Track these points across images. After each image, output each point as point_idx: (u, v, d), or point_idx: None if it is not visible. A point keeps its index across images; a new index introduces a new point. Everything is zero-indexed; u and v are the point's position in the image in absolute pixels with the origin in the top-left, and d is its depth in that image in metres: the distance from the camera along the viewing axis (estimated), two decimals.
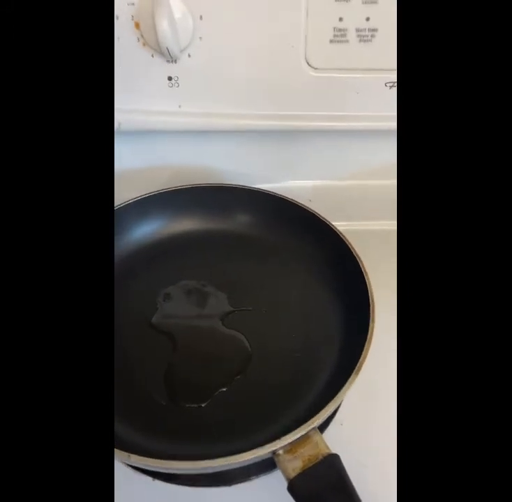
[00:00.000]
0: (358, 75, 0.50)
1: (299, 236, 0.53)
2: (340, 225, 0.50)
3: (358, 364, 0.37)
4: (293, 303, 0.48)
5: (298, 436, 0.34)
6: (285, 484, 0.33)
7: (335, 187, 0.62)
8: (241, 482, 0.39)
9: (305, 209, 0.52)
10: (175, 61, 0.48)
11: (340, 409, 0.43)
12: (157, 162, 0.58)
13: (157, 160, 0.58)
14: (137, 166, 0.57)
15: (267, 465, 0.38)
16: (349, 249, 0.46)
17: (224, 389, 0.42)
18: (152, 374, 0.43)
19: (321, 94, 0.52)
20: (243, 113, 0.52)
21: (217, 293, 0.50)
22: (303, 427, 0.34)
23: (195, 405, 0.41)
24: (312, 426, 0.34)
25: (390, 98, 0.51)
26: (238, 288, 0.50)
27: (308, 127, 0.54)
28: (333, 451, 0.34)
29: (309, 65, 0.49)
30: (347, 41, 0.48)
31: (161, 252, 0.53)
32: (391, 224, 0.60)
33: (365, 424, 0.43)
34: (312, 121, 0.54)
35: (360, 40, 0.48)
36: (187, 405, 0.41)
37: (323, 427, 0.41)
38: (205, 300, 0.49)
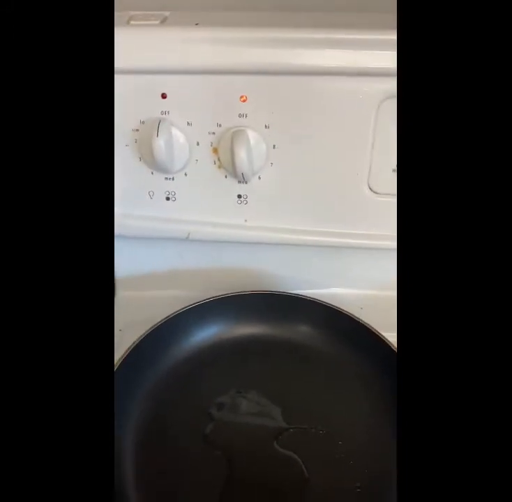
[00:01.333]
0: None
1: (354, 350, 0.53)
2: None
3: None
4: (351, 424, 0.47)
5: None
6: None
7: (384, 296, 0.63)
8: None
9: (358, 322, 0.52)
10: (246, 182, 0.52)
11: None
12: (221, 266, 0.61)
13: (221, 264, 0.61)
14: (202, 268, 0.60)
15: None
16: None
17: None
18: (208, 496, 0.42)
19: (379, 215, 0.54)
20: (304, 230, 0.55)
21: (271, 406, 0.49)
22: None
23: None
24: None
25: None
26: (292, 403, 0.49)
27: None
28: None
29: (371, 190, 0.53)
30: None
31: (217, 359, 0.54)
32: None
33: None
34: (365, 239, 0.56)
35: None
36: None
37: None
38: (259, 414, 0.49)
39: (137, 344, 0.48)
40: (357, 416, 0.48)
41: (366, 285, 0.63)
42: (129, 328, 0.52)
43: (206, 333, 0.55)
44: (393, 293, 0.66)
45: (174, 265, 0.60)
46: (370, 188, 0.53)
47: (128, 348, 0.47)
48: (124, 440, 0.45)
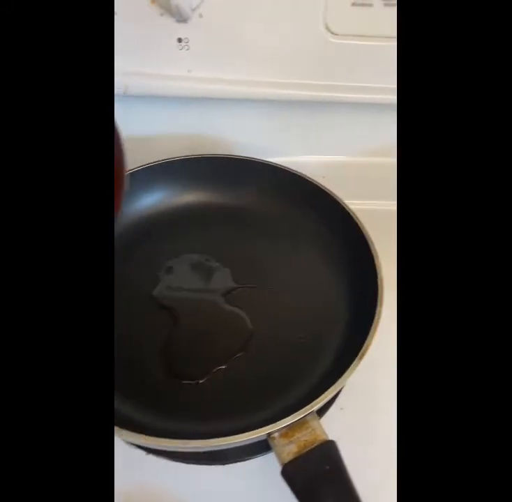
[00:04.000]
0: (381, 43, 0.47)
1: (308, 214, 0.51)
2: (352, 204, 0.47)
3: (362, 350, 0.36)
4: (298, 283, 0.47)
5: (295, 420, 0.33)
6: (279, 467, 0.33)
7: (351, 164, 0.59)
8: (235, 461, 0.38)
9: (316, 185, 0.50)
10: (185, 21, 0.45)
11: (340, 394, 0.42)
12: (164, 130, 0.56)
13: (165, 127, 0.56)
14: (143, 134, 0.55)
15: (263, 447, 0.37)
16: (360, 230, 0.44)
17: (224, 367, 0.41)
18: (150, 348, 0.42)
19: (341, 62, 0.49)
20: (256, 81, 0.50)
21: (221, 268, 0.48)
22: (300, 411, 0.33)
23: (193, 381, 0.40)
24: (310, 411, 0.33)
25: None
26: (243, 264, 0.48)
27: (325, 98, 0.51)
28: (332, 436, 0.33)
29: (328, 30, 0.46)
30: (371, 5, 0.45)
31: (165, 224, 0.52)
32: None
33: (366, 410, 0.42)
34: (330, 92, 0.51)
35: (385, 4, 0.44)
36: (184, 381, 0.40)
37: (322, 412, 0.40)
38: (208, 275, 0.48)
39: None
40: (306, 277, 0.47)
41: (330, 151, 0.60)
42: None
43: (152, 199, 0.52)
44: (361, 159, 0.62)
45: None
46: (327, 28, 0.46)
47: None
48: None
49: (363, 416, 0.41)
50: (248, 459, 0.38)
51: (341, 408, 0.42)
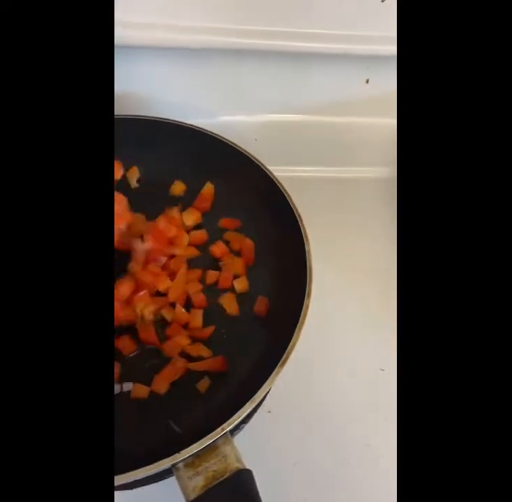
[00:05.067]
0: None
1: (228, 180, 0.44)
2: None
3: (285, 355, 0.31)
4: None
5: (202, 447, 0.27)
6: None
7: (287, 123, 0.52)
8: (132, 488, 0.33)
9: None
10: None
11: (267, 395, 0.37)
12: None
13: None
14: None
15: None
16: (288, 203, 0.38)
17: None
18: None
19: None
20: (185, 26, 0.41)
21: None
22: (208, 436, 0.28)
23: None
24: (220, 434, 0.28)
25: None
26: None
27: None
28: (258, 446, 0.29)
29: None
30: None
31: None
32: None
33: (295, 412, 0.37)
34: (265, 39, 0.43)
35: None
36: None
37: (246, 418, 0.35)
38: None
39: None
40: None
41: (263, 109, 0.52)
42: None
43: None
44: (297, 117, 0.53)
45: None
46: None
47: None
48: None
49: (292, 419, 0.37)
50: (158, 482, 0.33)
51: (269, 412, 0.37)
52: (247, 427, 0.34)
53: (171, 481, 0.31)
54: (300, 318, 0.32)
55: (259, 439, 0.32)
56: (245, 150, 0.42)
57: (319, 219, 0.40)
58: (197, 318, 0.37)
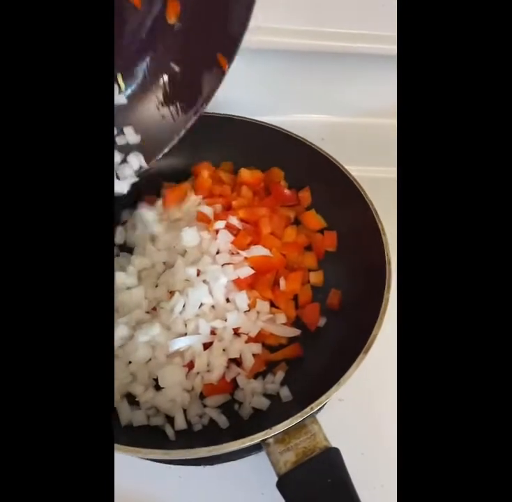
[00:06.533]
0: None
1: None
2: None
3: (367, 343, 0.32)
4: None
5: (292, 424, 0.29)
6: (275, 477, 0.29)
7: (354, 124, 0.54)
8: (226, 461, 0.35)
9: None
10: None
11: None
12: None
13: None
14: None
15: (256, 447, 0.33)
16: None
17: None
18: None
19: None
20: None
21: None
22: (298, 414, 0.29)
23: None
24: (310, 413, 0.29)
25: None
26: None
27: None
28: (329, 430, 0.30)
29: None
30: None
31: None
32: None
33: (366, 400, 0.38)
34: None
35: None
36: None
37: None
38: None
39: None
40: None
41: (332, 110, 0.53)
42: None
43: None
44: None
45: None
46: None
47: None
48: None
49: (364, 407, 0.38)
50: (245, 457, 0.35)
51: (340, 400, 0.38)
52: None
53: (257, 458, 0.33)
54: (382, 308, 0.33)
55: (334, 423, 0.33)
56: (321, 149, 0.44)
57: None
58: None
